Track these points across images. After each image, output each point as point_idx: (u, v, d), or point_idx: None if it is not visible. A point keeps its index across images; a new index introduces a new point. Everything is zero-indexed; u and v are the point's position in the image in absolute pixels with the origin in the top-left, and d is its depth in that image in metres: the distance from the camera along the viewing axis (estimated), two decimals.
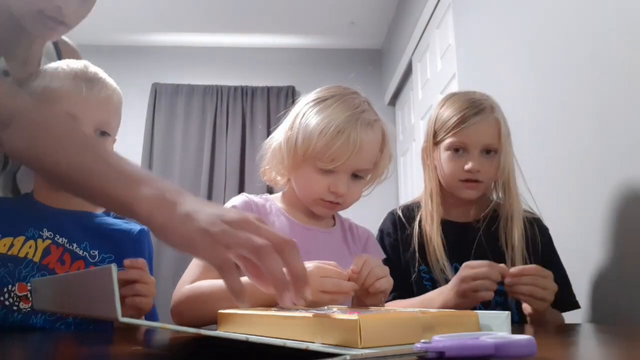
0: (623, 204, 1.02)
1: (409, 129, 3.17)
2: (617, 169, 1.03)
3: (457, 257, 1.04)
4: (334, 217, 1.02)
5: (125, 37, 3.72)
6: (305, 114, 0.91)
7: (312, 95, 0.95)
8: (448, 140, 1.07)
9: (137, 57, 3.74)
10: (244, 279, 0.78)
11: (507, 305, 1.04)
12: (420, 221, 1.10)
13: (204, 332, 0.43)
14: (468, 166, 1.05)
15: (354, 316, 0.43)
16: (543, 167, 1.34)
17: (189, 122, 3.70)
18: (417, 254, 1.07)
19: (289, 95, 3.71)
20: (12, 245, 0.86)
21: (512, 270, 0.89)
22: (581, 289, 1.11)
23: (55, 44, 1.11)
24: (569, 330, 0.85)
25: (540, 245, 1.07)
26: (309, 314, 0.51)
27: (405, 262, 1.09)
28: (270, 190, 1.06)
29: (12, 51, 0.94)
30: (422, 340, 0.39)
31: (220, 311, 0.63)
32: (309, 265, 0.74)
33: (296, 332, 0.48)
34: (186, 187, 3.60)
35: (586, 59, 1.15)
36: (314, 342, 0.44)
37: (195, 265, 0.91)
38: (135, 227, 0.96)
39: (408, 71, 3.09)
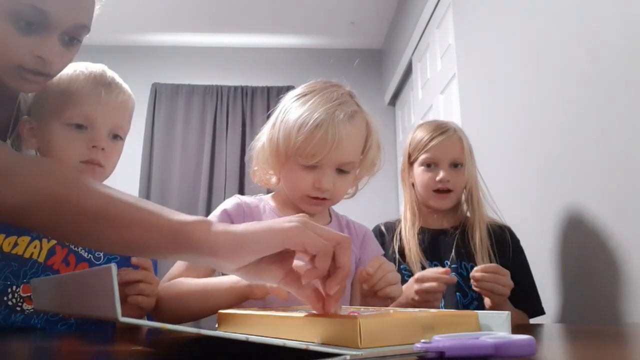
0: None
1: (409, 129, 3.17)
2: (618, 171, 1.04)
3: (435, 257, 1.20)
4: (330, 214, 1.02)
5: (125, 37, 3.72)
6: (286, 111, 0.91)
7: (294, 92, 0.95)
8: (421, 157, 1.25)
9: (137, 57, 3.74)
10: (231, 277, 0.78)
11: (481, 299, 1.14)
12: (400, 231, 1.25)
13: (204, 332, 0.43)
14: (439, 177, 1.21)
15: (354, 316, 0.43)
16: (545, 165, 1.34)
17: (189, 122, 3.69)
18: (397, 256, 1.20)
19: None
20: (16, 244, 0.86)
21: (475, 269, 1.03)
22: (547, 291, 1.23)
23: None
24: (569, 331, 0.85)
25: (511, 252, 1.20)
26: (308, 314, 0.51)
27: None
28: (268, 190, 1.07)
29: None
30: (422, 340, 0.39)
31: (220, 311, 0.63)
32: None
33: (296, 332, 0.48)
34: (186, 187, 3.63)
35: (586, 59, 1.15)
36: (314, 342, 0.44)
37: (177, 264, 0.91)
38: None
39: (408, 71, 3.09)
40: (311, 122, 0.85)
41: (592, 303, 1.12)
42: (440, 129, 1.26)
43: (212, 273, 0.90)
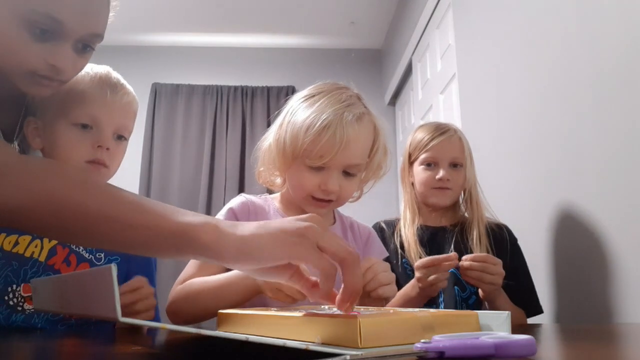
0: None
1: (409, 129, 3.17)
2: (615, 171, 1.04)
3: (434, 252, 1.20)
4: (334, 215, 1.02)
5: (125, 37, 3.72)
6: (293, 112, 0.91)
7: (301, 93, 0.95)
8: (422, 157, 1.27)
9: (137, 57, 3.74)
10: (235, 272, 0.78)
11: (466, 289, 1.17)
12: (400, 229, 1.27)
13: (204, 332, 0.43)
14: (439, 175, 1.23)
15: (353, 316, 0.43)
16: (544, 165, 1.34)
17: (189, 122, 3.69)
18: (399, 250, 1.23)
19: (289, 95, 3.70)
20: (17, 243, 0.86)
21: (463, 258, 1.04)
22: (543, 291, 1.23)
23: None
24: (569, 331, 0.85)
25: (509, 250, 1.22)
26: (308, 314, 0.51)
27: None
28: (270, 191, 1.07)
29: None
30: (422, 340, 0.39)
31: (220, 311, 0.63)
32: None
33: (296, 332, 0.48)
34: (186, 187, 3.62)
35: (586, 59, 1.15)
36: (314, 342, 0.44)
37: (190, 264, 0.92)
38: None
39: (408, 71, 3.09)
40: (319, 123, 0.85)
41: (590, 303, 1.12)
42: (441, 130, 1.28)
43: (224, 271, 0.90)
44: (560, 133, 1.26)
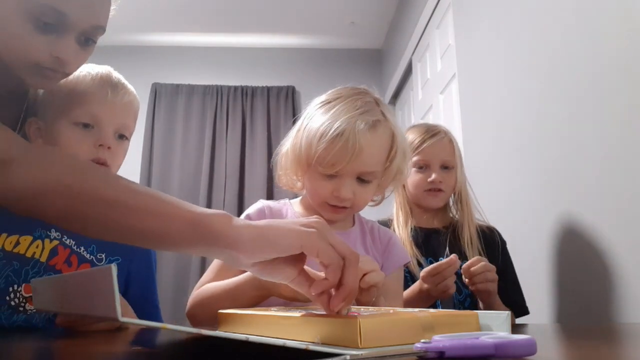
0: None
1: None
2: (614, 172, 1.04)
3: (430, 253, 1.23)
4: (353, 219, 1.02)
5: (125, 37, 3.72)
6: (310, 118, 0.91)
7: (320, 98, 0.94)
8: (413, 159, 1.26)
9: (137, 57, 3.74)
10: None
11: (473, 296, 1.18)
12: (393, 229, 1.27)
13: (204, 332, 0.43)
14: (431, 178, 1.24)
15: (354, 316, 0.43)
16: (545, 165, 1.34)
17: (189, 122, 3.69)
18: None
19: (289, 95, 3.71)
20: (17, 243, 0.86)
21: (466, 265, 1.07)
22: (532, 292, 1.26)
23: None
24: (569, 330, 0.85)
25: (500, 252, 1.24)
26: (308, 314, 0.51)
27: None
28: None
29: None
30: (422, 340, 0.39)
31: (220, 311, 0.63)
32: None
33: (296, 332, 0.48)
34: (186, 187, 3.62)
35: (586, 59, 1.15)
36: (314, 342, 0.44)
37: (209, 269, 0.94)
38: None
39: (408, 71, 3.09)
40: (332, 131, 0.84)
41: (588, 304, 1.12)
42: (431, 132, 1.29)
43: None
44: (560, 133, 1.26)
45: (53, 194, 0.55)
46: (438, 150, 1.26)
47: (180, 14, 3.46)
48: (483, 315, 0.50)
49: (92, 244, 0.90)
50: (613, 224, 1.06)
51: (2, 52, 0.76)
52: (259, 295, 0.80)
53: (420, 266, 1.17)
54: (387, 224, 1.29)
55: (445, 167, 1.27)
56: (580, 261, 1.17)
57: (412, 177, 1.28)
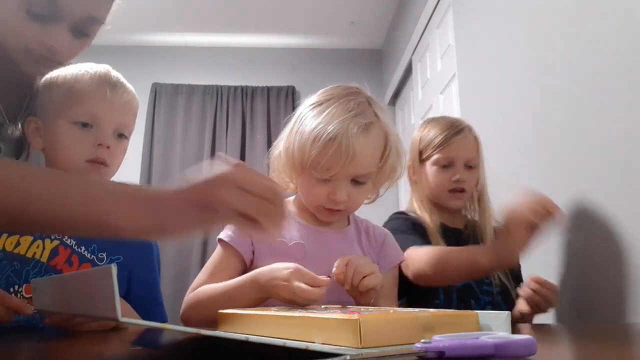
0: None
1: (409, 129, 3.17)
2: (615, 167, 1.04)
3: None
4: (348, 218, 1.02)
5: (125, 37, 3.72)
6: (302, 120, 0.90)
7: (311, 98, 0.93)
8: (435, 157, 1.20)
9: (137, 57, 3.74)
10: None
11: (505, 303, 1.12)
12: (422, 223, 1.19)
13: (204, 332, 0.43)
14: (456, 177, 1.18)
15: (354, 316, 0.43)
16: (544, 166, 1.34)
17: (189, 122, 3.69)
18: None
19: (289, 95, 3.71)
20: (18, 244, 0.86)
21: (530, 282, 1.02)
22: None
23: None
24: (569, 330, 0.85)
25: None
26: (309, 314, 0.51)
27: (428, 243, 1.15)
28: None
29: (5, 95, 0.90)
30: (422, 340, 0.39)
31: (220, 311, 0.63)
32: (289, 266, 0.76)
33: (296, 332, 0.48)
34: None
35: (586, 58, 1.15)
36: (314, 342, 0.44)
37: (203, 270, 0.94)
38: None
39: (408, 71, 3.09)
40: (325, 135, 0.84)
41: (596, 303, 1.12)
42: (456, 128, 1.22)
43: (235, 277, 0.90)
44: (561, 132, 1.26)
45: None
46: (463, 148, 1.20)
47: (180, 14, 3.46)
48: (483, 315, 0.50)
49: (93, 244, 0.90)
50: (612, 224, 1.06)
51: (0, 38, 0.77)
52: (257, 298, 0.80)
53: None
54: (419, 219, 1.22)
55: (469, 166, 1.21)
56: (586, 258, 1.17)
57: (435, 176, 1.20)
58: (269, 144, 3.69)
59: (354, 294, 0.79)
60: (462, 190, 1.19)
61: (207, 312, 0.82)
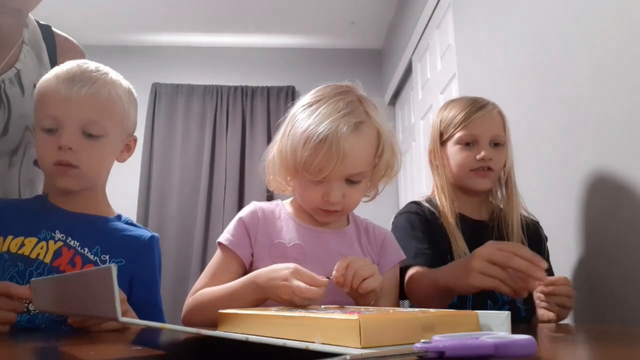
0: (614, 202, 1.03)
1: (409, 128, 3.17)
2: (614, 167, 1.04)
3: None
4: (347, 218, 1.02)
5: (125, 37, 3.72)
6: (293, 122, 0.90)
7: (303, 99, 0.93)
8: (457, 135, 1.12)
9: (137, 57, 3.74)
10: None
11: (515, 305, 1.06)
12: (439, 215, 1.12)
13: (204, 332, 0.43)
14: (480, 155, 1.09)
15: (354, 316, 0.43)
16: (544, 166, 1.34)
17: (189, 122, 3.69)
18: (441, 244, 1.08)
19: (289, 95, 3.71)
20: (22, 245, 0.86)
21: (547, 283, 0.92)
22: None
23: (52, 37, 1.11)
24: (569, 330, 0.85)
25: (545, 250, 1.11)
26: (309, 314, 0.51)
27: (436, 241, 1.09)
28: (269, 194, 1.07)
29: None
30: (422, 340, 0.39)
31: (220, 311, 0.63)
32: (289, 266, 0.76)
33: (296, 332, 0.48)
34: (186, 187, 3.62)
35: (586, 58, 1.15)
36: (314, 342, 0.44)
37: (204, 274, 0.95)
38: (147, 233, 0.97)
39: (408, 71, 3.09)
40: (315, 137, 0.83)
41: (607, 303, 1.12)
42: (479, 104, 1.14)
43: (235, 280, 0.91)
44: (560, 133, 1.26)
45: None
46: (487, 123, 1.11)
47: (180, 14, 3.46)
48: (483, 315, 0.50)
49: (96, 245, 0.90)
50: (614, 225, 1.06)
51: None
52: (257, 299, 0.81)
53: None
54: (436, 206, 1.14)
55: (495, 144, 1.12)
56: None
57: (457, 156, 1.12)
58: (269, 144, 3.70)
59: (354, 295, 0.80)
60: (489, 169, 1.10)
61: (208, 315, 0.83)
